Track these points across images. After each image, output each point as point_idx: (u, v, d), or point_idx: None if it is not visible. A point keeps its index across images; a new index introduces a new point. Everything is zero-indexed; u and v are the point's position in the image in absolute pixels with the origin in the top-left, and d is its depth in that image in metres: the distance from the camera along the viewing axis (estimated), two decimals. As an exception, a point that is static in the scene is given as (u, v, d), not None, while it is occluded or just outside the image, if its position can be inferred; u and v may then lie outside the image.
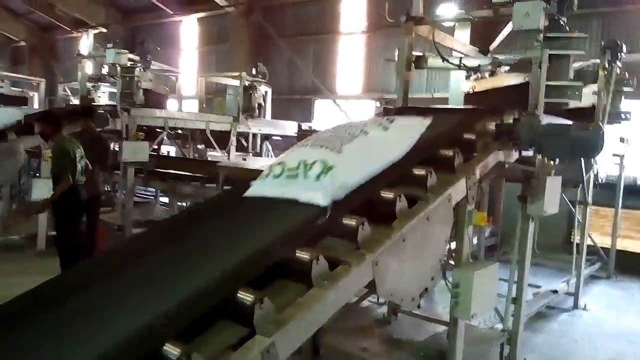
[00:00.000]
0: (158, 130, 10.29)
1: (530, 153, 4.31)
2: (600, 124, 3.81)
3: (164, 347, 2.00)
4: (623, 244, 8.85)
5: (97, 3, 19.24)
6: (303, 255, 2.55)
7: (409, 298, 3.14)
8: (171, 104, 13.47)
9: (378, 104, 13.38)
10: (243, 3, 15.08)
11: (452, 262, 4.14)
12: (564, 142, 3.70)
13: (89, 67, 13.09)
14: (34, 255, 7.86)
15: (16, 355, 2.17)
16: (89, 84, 11.49)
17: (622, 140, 7.67)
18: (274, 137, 13.03)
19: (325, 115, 14.61)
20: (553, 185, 4.37)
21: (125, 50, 9.70)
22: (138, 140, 8.99)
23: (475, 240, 6.68)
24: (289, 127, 12.47)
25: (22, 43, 24.68)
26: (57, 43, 24.44)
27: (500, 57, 5.86)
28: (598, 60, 6.30)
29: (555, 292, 6.68)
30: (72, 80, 14.31)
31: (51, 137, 6.22)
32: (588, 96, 6.03)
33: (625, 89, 6.49)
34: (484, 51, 6.70)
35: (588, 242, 7.25)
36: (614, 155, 7.69)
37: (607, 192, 8.02)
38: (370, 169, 3.24)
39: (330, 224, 2.89)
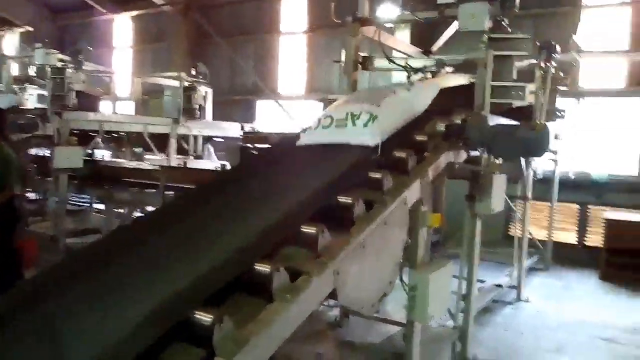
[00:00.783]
0: (92, 134, 9.78)
1: (477, 153, 4.38)
2: (546, 124, 3.90)
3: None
4: (558, 236, 9.27)
5: (23, 0, 18.10)
6: (263, 267, 2.42)
7: (369, 304, 3.09)
8: (105, 106, 12.88)
9: (322, 105, 13.36)
10: (180, 2, 14.61)
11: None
12: (512, 143, 3.78)
13: (14, 69, 12.25)
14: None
15: (65, 317, 2.33)
16: (15, 86, 10.74)
17: (556, 137, 8.00)
18: (216, 139, 12.72)
19: (267, 116, 14.42)
20: (499, 184, 4.46)
21: (55, 50, 9.14)
22: (71, 145, 8.50)
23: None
24: (231, 129, 12.20)
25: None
26: (-24, 41, 22.81)
27: (444, 57, 5.93)
28: (534, 61, 6.54)
29: (499, 286, 6.87)
30: (-5, 81, 13.34)
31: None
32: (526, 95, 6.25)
33: (561, 87, 6.76)
34: (427, 52, 6.79)
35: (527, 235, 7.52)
36: (549, 151, 8.01)
37: (542, 186, 8.34)
38: (402, 118, 4.26)
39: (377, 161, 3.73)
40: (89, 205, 11.28)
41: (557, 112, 6.65)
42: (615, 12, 9.66)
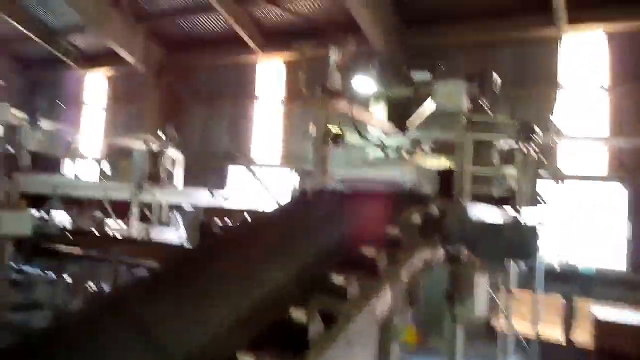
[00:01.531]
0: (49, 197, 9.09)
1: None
2: (534, 225, 3.45)
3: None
4: (544, 332, 8.64)
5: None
6: None
7: None
8: (69, 167, 12.24)
9: (297, 174, 12.93)
10: (154, 64, 14.37)
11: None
12: (498, 243, 3.30)
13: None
14: None
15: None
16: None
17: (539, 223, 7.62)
18: (186, 207, 12.08)
19: (239, 182, 13.90)
20: (482, 284, 3.95)
21: (6, 104, 8.60)
22: (19, 210, 7.79)
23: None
24: (201, 196, 11.61)
25: None
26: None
27: (420, 136, 5.56)
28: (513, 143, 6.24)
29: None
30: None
31: None
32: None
33: (541, 172, 6.41)
34: (402, 127, 6.45)
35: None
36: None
37: (525, 275, 7.81)
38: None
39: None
40: (38, 276, 10.37)
41: (539, 198, 6.26)
42: (594, 97, 9.61)
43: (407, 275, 3.26)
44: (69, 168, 12.09)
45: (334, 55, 5.17)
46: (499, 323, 6.96)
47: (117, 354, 2.44)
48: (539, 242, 3.31)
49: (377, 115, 7.07)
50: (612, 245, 9.22)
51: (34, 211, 8.31)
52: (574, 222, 9.32)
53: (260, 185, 13.22)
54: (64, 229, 10.38)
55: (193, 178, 13.24)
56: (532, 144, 6.35)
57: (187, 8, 13.43)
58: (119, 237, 8.95)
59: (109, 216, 10.28)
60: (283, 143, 13.32)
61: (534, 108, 9.17)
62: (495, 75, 4.63)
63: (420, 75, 4.58)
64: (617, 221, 9.20)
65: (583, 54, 9.72)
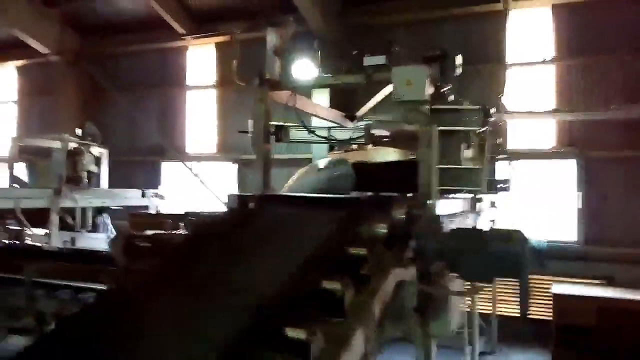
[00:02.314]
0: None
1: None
2: (523, 233, 2.91)
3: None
4: (502, 310, 8.48)
5: None
6: None
7: None
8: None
9: (236, 166, 12.11)
10: (68, 50, 12.94)
11: None
12: (483, 260, 2.74)
13: None
14: None
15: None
16: None
17: (492, 205, 7.29)
18: (114, 208, 10.99)
19: (175, 179, 12.88)
20: (458, 300, 3.41)
21: None
22: None
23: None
24: (131, 196, 10.58)
25: None
26: None
27: (372, 127, 4.95)
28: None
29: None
30: None
31: None
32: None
33: (500, 156, 6.01)
34: (351, 117, 5.82)
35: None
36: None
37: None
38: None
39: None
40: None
41: (500, 183, 5.85)
42: (540, 71, 9.38)
43: (380, 308, 2.64)
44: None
45: (272, 39, 4.44)
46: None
47: None
48: (530, 253, 2.78)
49: (321, 101, 6.41)
50: (564, 218, 9.16)
51: None
52: (525, 197, 9.14)
53: (197, 181, 12.32)
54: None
55: (122, 177, 12.12)
56: (488, 127, 5.94)
57: (102, -12, 12.11)
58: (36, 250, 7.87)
59: (25, 227, 9.10)
60: (218, 133, 12.39)
61: (482, 87, 8.79)
62: (458, 56, 4.06)
63: (372, 60, 3.94)
64: (567, 194, 9.13)
65: (529, 28, 9.43)
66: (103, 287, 4.54)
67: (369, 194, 4.17)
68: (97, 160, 10.76)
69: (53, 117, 13.50)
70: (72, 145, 9.39)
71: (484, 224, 6.26)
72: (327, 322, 2.34)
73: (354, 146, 5.49)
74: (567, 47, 9.13)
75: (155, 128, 12.80)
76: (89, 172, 9.87)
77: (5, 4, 12.11)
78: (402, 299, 3.19)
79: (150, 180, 12.54)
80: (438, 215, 3.24)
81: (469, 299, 6.31)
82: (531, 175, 9.26)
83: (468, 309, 6.42)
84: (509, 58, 9.34)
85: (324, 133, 4.91)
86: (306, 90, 5.80)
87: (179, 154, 12.46)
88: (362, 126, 5.41)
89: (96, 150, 10.60)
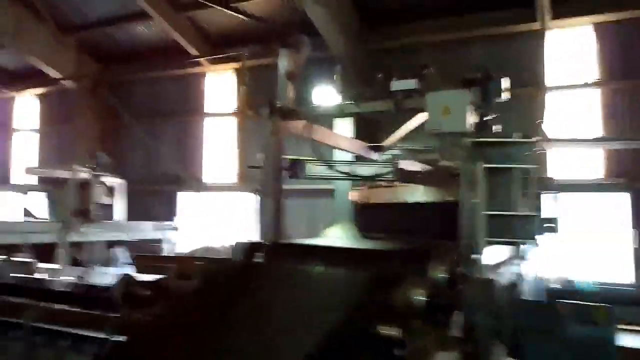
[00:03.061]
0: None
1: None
2: (609, 311, 2.20)
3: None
4: None
5: None
6: None
7: None
8: None
9: (257, 197, 11.52)
10: (86, 76, 12.69)
11: None
12: (556, 347, 2.04)
13: None
14: None
15: None
16: None
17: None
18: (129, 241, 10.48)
19: (192, 210, 12.37)
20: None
21: None
22: None
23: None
24: (143, 229, 10.07)
25: None
26: None
27: (401, 160, 4.30)
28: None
29: None
30: None
31: None
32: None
33: (546, 191, 5.25)
34: (376, 147, 5.18)
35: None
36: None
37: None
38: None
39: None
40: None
41: (548, 223, 5.08)
42: (583, 95, 8.61)
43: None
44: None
45: (284, 61, 3.87)
46: None
47: None
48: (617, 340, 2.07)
49: (342, 130, 5.79)
50: (617, 258, 8.23)
51: None
52: (570, 234, 8.28)
53: (214, 213, 11.81)
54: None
55: (138, 208, 11.67)
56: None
57: (119, 17, 11.84)
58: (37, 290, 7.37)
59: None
60: (238, 161, 11.86)
61: (518, 113, 8.03)
62: (504, 79, 3.41)
63: (401, 84, 3.32)
64: (620, 231, 8.23)
65: (569, 49, 8.70)
66: (104, 335, 4.06)
67: (399, 243, 3.51)
68: (111, 191, 10.34)
69: (72, 145, 13.23)
70: (83, 175, 8.96)
71: (529, 272, 5.50)
72: None
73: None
74: (612, 69, 8.37)
75: (173, 157, 12.37)
76: (100, 204, 9.40)
77: (22, 32, 11.97)
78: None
79: (167, 211, 12.07)
80: (491, 278, 2.55)
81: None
82: (576, 210, 8.39)
83: None
84: (548, 81, 8.59)
85: (346, 167, 4.28)
86: (326, 120, 5.22)
87: (197, 184, 11.98)
88: (389, 160, 4.76)
89: (110, 180, 10.17)
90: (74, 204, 8.71)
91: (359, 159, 5.00)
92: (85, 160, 9.83)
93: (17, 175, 14.64)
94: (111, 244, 10.12)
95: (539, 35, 8.42)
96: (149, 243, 10.58)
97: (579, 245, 8.29)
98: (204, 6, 10.15)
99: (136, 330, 3.35)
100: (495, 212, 3.07)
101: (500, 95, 3.45)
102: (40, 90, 14.81)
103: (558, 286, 8.13)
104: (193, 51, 11.62)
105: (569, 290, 8.02)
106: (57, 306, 5.98)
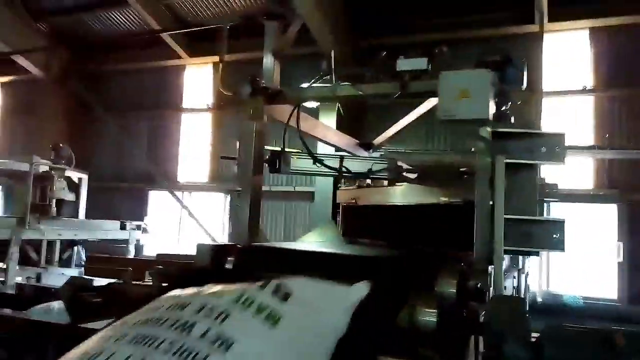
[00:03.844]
0: None
1: None
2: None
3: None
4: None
5: None
6: None
7: None
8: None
9: (229, 197, 10.95)
10: (56, 67, 11.94)
11: None
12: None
13: None
14: None
15: None
16: None
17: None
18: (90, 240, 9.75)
19: (163, 209, 11.70)
20: None
21: None
22: None
23: None
24: (110, 228, 9.35)
25: None
26: None
27: (397, 159, 3.79)
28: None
29: None
30: None
31: None
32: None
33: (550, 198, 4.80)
34: (366, 145, 4.67)
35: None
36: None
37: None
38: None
39: None
40: None
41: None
42: (576, 102, 8.30)
43: None
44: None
45: (270, 35, 3.34)
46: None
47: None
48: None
49: (328, 126, 5.26)
50: (601, 272, 7.94)
51: None
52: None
53: (186, 213, 11.16)
54: None
55: (105, 206, 10.96)
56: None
57: (94, 3, 11.16)
58: None
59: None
60: (212, 159, 11.26)
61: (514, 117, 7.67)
62: (522, 62, 2.95)
63: (408, 63, 2.81)
64: (605, 243, 7.94)
65: (565, 54, 8.39)
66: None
67: (394, 250, 3.00)
68: (76, 187, 9.60)
69: (37, 137, 12.42)
70: (41, 169, 8.24)
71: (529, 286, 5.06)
72: None
73: (368, 181, 4.30)
74: (607, 76, 8.09)
75: (146, 153, 11.69)
76: (61, 199, 8.68)
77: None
78: None
79: (137, 210, 11.37)
80: (518, 295, 2.05)
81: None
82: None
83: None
84: (545, 86, 8.25)
85: (334, 163, 3.75)
86: (313, 109, 4.70)
87: (169, 183, 11.32)
88: (380, 157, 4.25)
89: (74, 175, 9.45)
90: (32, 198, 7.98)
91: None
92: (47, 152, 9.10)
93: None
94: (73, 244, 9.41)
95: (537, 37, 8.07)
96: (114, 243, 9.89)
97: (564, 257, 7.96)
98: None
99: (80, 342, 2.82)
100: (515, 217, 2.57)
101: (522, 82, 2.97)
102: (6, 79, 13.97)
103: (542, 300, 7.81)
104: (171, 42, 11.00)
105: (556, 305, 7.69)
106: (-1, 310, 5.35)
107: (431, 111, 4.04)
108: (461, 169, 3.25)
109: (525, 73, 3.02)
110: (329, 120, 7.25)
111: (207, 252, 2.82)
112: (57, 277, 8.53)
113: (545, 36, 8.22)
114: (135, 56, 11.76)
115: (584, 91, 8.19)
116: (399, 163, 3.65)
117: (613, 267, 7.95)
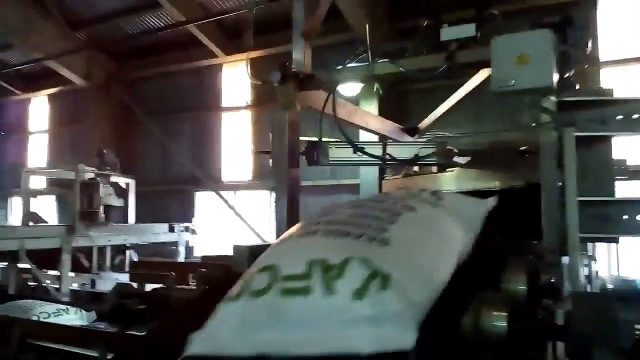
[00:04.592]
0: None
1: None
2: None
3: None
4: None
5: None
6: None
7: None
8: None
9: (273, 194, 10.81)
10: (97, 75, 12.13)
11: None
12: None
13: None
14: None
15: None
16: None
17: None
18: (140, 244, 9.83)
19: (209, 209, 11.71)
20: None
21: None
22: None
23: None
24: (158, 231, 9.39)
25: None
26: None
27: (448, 142, 3.46)
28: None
29: None
30: None
31: None
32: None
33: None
34: (411, 130, 4.35)
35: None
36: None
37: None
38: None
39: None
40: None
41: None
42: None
43: None
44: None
45: (299, 13, 3.08)
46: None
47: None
48: None
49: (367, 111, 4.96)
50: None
51: None
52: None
53: (233, 213, 11.10)
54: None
55: (154, 210, 11.07)
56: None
57: (128, 8, 11.23)
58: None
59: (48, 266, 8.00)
60: (253, 157, 11.15)
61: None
62: (587, 27, 2.57)
63: (454, 31, 2.49)
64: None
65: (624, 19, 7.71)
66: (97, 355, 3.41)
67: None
68: (124, 192, 9.69)
69: (84, 145, 12.70)
70: (87, 176, 8.32)
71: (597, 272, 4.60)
72: None
73: (415, 168, 3.98)
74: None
75: (189, 155, 11.73)
76: (109, 205, 8.76)
77: (31, 30, 11.43)
78: None
79: (185, 212, 11.43)
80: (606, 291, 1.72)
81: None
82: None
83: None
84: (602, 55, 7.61)
85: (377, 151, 3.47)
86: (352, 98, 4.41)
87: (214, 183, 11.30)
88: (426, 142, 3.92)
89: (120, 181, 9.54)
90: (80, 206, 8.07)
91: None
92: (94, 160, 9.22)
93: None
94: (125, 249, 9.49)
95: (590, 2, 7.43)
96: (164, 246, 9.95)
97: (633, 239, 7.32)
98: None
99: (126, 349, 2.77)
100: (590, 198, 2.21)
101: (586, 44, 2.59)
102: (51, 90, 14.35)
103: (612, 286, 7.23)
104: (208, 42, 10.94)
105: (630, 292, 7.09)
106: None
107: (480, 88, 3.70)
108: (521, 148, 2.91)
109: (589, 34, 2.63)
110: (369, 107, 6.94)
111: (243, 253, 2.65)
112: (111, 282, 8.65)
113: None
114: (172, 58, 11.80)
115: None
116: (449, 147, 3.33)
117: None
